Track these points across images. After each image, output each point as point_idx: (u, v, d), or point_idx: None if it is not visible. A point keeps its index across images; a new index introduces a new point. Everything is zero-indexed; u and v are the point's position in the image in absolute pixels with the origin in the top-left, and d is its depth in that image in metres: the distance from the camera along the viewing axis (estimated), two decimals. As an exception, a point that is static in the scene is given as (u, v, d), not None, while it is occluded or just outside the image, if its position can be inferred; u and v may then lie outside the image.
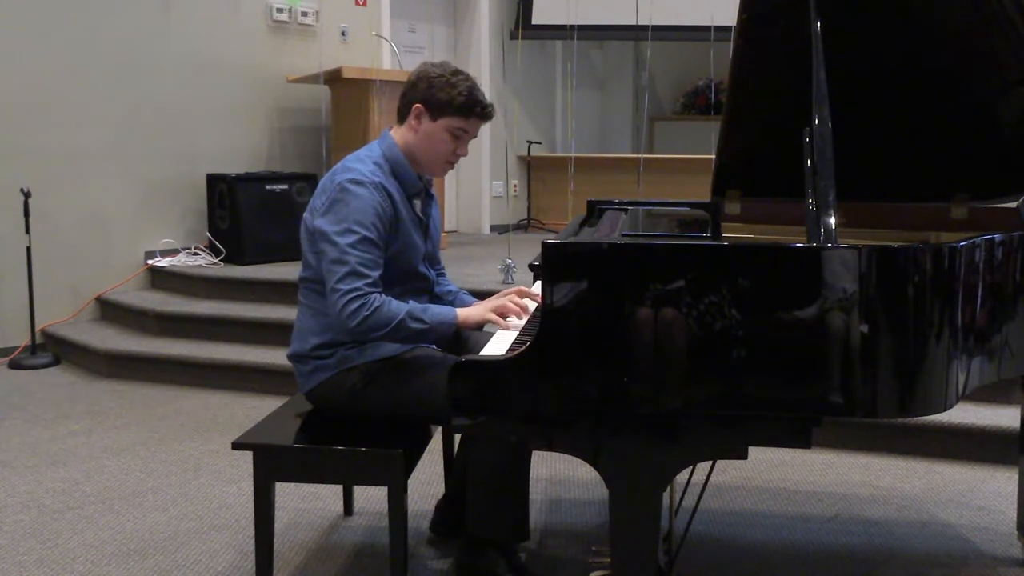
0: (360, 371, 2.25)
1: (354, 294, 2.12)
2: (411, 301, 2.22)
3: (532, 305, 2.33)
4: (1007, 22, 2.23)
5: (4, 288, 4.82)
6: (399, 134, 2.33)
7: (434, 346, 2.37)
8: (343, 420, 2.29)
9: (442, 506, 2.66)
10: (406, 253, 2.31)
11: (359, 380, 2.25)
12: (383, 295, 2.16)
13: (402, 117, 2.33)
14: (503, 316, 2.24)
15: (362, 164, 2.25)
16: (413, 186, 2.34)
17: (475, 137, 2.36)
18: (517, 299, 2.30)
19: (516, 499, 2.38)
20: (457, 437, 2.66)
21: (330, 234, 2.16)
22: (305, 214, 2.31)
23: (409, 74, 2.34)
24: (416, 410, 2.22)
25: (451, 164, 2.36)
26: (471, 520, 2.32)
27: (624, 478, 1.76)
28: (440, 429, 2.59)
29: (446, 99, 2.24)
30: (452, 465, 2.73)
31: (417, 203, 2.37)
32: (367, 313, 2.12)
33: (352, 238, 2.15)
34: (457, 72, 2.28)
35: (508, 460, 2.28)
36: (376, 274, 2.18)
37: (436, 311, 2.22)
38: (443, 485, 2.83)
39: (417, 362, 2.27)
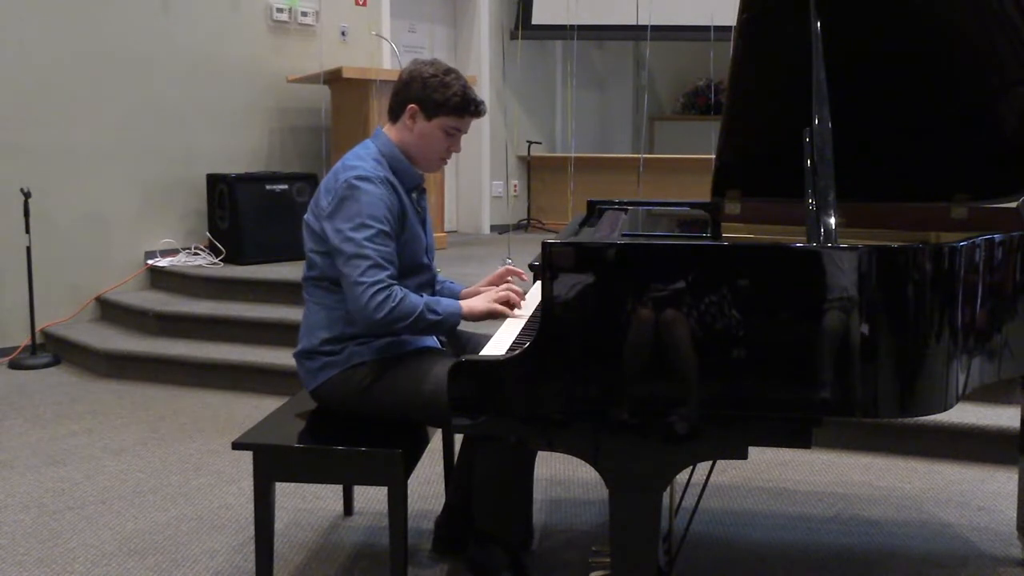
0: (368, 367, 2.25)
1: (379, 286, 2.13)
2: (424, 295, 2.25)
3: (524, 291, 2.44)
4: (1007, 22, 2.23)
5: (4, 288, 4.82)
6: (393, 132, 2.34)
7: (435, 341, 2.40)
8: (343, 420, 2.29)
9: (441, 522, 2.57)
10: (413, 244, 2.32)
11: (367, 376, 2.24)
12: (401, 287, 2.18)
13: (395, 115, 2.33)
14: (507, 304, 2.30)
15: (363, 161, 2.25)
16: (412, 180, 2.34)
17: (466, 133, 2.38)
18: (516, 287, 2.38)
19: (520, 498, 2.38)
20: (457, 443, 2.64)
21: (345, 231, 2.16)
22: (307, 216, 2.30)
23: (400, 72, 2.34)
24: (422, 410, 2.21)
25: (445, 161, 2.39)
26: (479, 517, 2.32)
27: (624, 478, 1.76)
28: (440, 430, 2.58)
29: (441, 100, 2.26)
30: (452, 476, 2.66)
31: (414, 196, 2.37)
32: (393, 304, 2.13)
33: (368, 232, 2.16)
34: (449, 71, 2.29)
35: (513, 459, 2.28)
36: (394, 267, 2.19)
37: (446, 304, 2.26)
38: (443, 485, 2.83)
39: (425, 362, 2.26)
